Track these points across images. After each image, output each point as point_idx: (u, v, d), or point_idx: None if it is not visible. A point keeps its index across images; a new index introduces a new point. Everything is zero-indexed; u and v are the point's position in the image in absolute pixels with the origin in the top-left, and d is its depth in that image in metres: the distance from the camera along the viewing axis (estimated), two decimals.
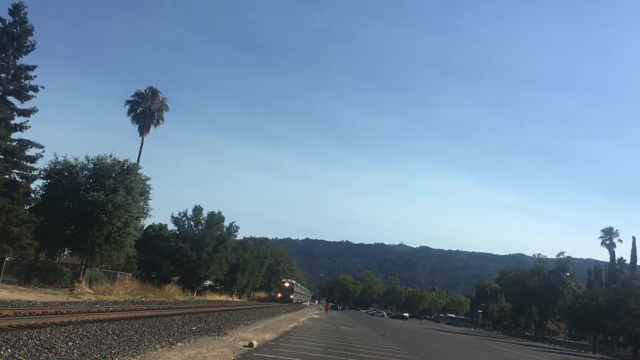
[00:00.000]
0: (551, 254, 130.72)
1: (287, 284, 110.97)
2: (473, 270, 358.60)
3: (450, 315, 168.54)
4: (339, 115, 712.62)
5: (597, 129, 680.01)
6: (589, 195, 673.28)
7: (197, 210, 73.11)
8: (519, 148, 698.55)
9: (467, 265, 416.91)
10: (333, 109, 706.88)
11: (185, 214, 72.18)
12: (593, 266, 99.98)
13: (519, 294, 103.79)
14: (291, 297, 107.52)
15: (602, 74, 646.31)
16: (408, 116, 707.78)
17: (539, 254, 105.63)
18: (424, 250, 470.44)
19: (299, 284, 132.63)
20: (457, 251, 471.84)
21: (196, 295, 68.44)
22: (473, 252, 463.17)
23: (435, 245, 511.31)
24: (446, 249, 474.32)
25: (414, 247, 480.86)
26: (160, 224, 71.38)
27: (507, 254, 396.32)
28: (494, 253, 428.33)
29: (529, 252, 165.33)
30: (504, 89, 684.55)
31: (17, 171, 36.71)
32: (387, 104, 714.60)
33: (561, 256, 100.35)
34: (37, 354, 11.24)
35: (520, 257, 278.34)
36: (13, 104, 36.49)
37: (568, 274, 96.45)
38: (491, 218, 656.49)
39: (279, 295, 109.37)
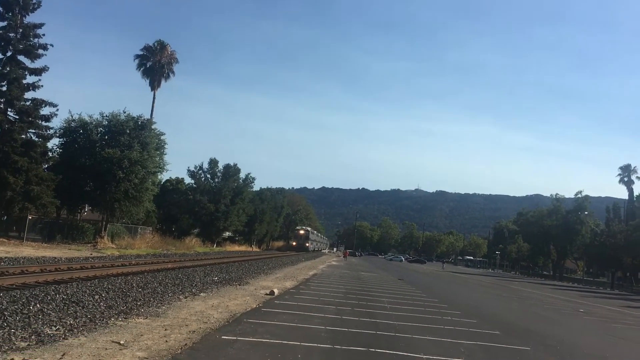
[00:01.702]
0: (569, 193, 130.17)
1: (302, 232, 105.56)
2: (490, 213, 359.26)
3: (468, 257, 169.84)
4: (350, 62, 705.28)
5: (614, 65, 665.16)
6: (607, 133, 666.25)
7: (213, 163, 73.52)
8: (534, 87, 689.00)
9: (484, 208, 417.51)
10: (344, 55, 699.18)
11: (201, 167, 72.74)
12: (611, 204, 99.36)
13: (537, 234, 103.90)
14: (307, 245, 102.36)
15: (620, 9, 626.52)
16: (419, 58, 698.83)
17: (557, 193, 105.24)
18: (441, 194, 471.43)
19: (315, 231, 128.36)
20: (474, 194, 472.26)
21: (216, 246, 69.52)
22: (490, 194, 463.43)
23: (451, 189, 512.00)
24: (463, 192, 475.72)
25: (431, 191, 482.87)
26: (177, 178, 72.14)
27: (525, 195, 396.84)
28: (511, 195, 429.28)
29: (546, 193, 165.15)
30: (518, 26, 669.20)
31: (33, 130, 36.85)
32: (398, 47, 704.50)
33: (579, 195, 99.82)
34: (66, 308, 11.51)
35: (537, 197, 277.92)
36: (24, 64, 36.31)
37: (586, 212, 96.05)
38: (508, 160, 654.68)
39: (294, 243, 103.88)
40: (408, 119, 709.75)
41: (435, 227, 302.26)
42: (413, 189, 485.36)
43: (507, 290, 41.86)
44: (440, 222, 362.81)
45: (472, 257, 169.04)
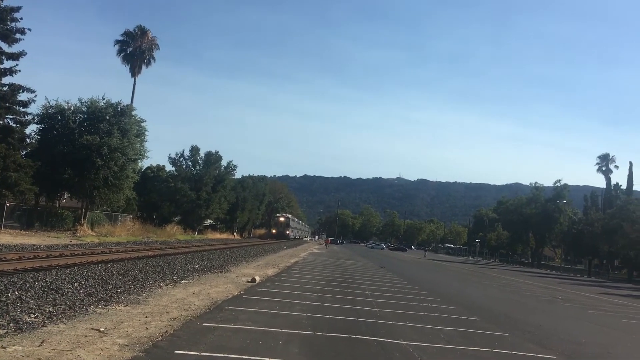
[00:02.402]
0: (548, 182, 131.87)
1: (282, 219, 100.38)
2: (470, 201, 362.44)
3: (449, 245, 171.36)
4: (335, 49, 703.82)
5: (595, 54, 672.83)
6: (586, 122, 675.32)
7: (194, 150, 72.99)
8: (516, 76, 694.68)
9: (464, 196, 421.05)
10: (328, 43, 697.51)
11: (182, 155, 72.18)
12: (589, 193, 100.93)
13: (516, 222, 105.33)
14: (287, 232, 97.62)
15: None
16: (404, 47, 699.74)
17: (536, 182, 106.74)
18: (422, 182, 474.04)
19: (296, 219, 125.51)
20: (455, 182, 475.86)
21: (197, 234, 69.28)
22: (470, 183, 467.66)
23: (433, 177, 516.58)
24: (444, 180, 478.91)
25: (412, 180, 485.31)
26: (158, 165, 71.50)
27: (504, 183, 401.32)
28: (491, 183, 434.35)
29: (526, 181, 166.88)
30: (501, 15, 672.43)
31: (11, 116, 36.24)
32: (383, 35, 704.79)
33: (558, 184, 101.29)
34: (44, 295, 11.41)
35: (517, 186, 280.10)
36: (1, 48, 35.60)
37: (564, 201, 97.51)
38: (488, 148, 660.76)
39: (274, 231, 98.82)
40: (390, 107, 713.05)
41: (417, 215, 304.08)
42: (395, 177, 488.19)
43: (486, 278, 42.37)
44: (422, 210, 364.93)
45: (452, 245, 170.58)
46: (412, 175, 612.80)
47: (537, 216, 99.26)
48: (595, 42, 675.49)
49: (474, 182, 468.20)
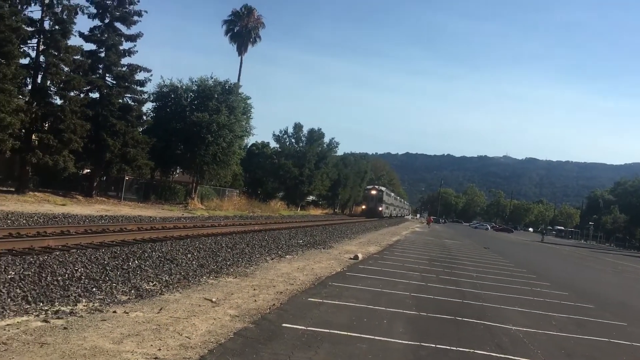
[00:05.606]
0: None
1: (373, 192, 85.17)
2: (584, 182, 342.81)
3: (559, 227, 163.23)
4: (437, 26, 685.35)
5: None
6: None
7: (298, 127, 74.15)
8: (632, 48, 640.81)
9: (577, 176, 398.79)
10: (431, 19, 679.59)
11: (286, 132, 73.57)
12: None
13: (636, 205, 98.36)
14: (380, 209, 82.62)
15: None
16: (510, 21, 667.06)
17: None
18: (530, 161, 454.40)
19: (392, 193, 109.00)
20: (567, 162, 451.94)
21: (300, 210, 70.65)
22: (584, 162, 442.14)
23: (542, 156, 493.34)
24: (554, 160, 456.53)
25: (520, 158, 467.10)
26: (263, 142, 73.47)
27: (622, 163, 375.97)
28: (607, 163, 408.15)
29: None
30: None
31: (129, 95, 38.43)
32: (487, 9, 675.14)
33: None
34: (161, 265, 12.11)
35: (637, 166, 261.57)
36: (120, 30, 37.71)
37: None
38: (604, 126, 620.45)
39: (363, 206, 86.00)
40: (497, 83, 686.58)
41: (524, 195, 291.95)
42: (501, 156, 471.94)
43: (601, 263, 40.00)
44: (530, 191, 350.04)
45: (562, 227, 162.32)
46: (519, 154, 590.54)
47: None
48: None
49: (588, 161, 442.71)
